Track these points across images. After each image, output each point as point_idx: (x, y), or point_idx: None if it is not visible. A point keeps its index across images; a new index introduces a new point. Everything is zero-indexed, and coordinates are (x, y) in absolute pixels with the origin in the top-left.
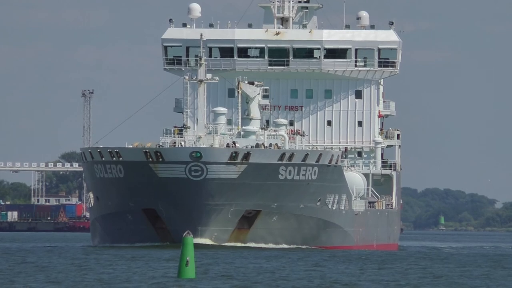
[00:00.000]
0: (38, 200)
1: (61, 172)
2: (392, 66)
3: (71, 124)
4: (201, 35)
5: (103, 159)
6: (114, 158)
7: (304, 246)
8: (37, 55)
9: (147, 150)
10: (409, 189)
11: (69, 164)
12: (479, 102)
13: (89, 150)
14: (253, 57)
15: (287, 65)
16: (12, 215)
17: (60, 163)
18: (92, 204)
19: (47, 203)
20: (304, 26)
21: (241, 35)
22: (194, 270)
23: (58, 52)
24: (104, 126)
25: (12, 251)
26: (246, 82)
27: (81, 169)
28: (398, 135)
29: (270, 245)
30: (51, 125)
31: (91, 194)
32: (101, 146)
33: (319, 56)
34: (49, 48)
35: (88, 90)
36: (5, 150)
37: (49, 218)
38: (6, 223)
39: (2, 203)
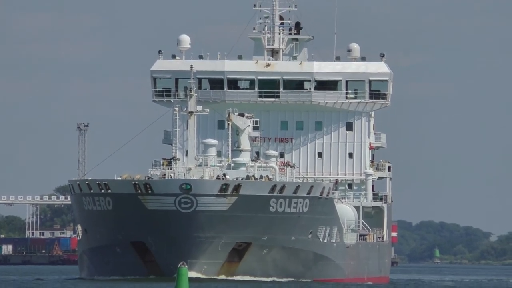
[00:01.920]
0: (32, 233)
1: (55, 205)
2: (383, 98)
3: (66, 157)
4: (191, 67)
5: (92, 191)
6: (103, 190)
7: (295, 279)
8: (30, 88)
9: (136, 182)
10: (404, 222)
11: (63, 197)
12: (471, 135)
13: (78, 182)
14: (243, 88)
15: (277, 96)
16: (7, 249)
17: (55, 196)
18: (80, 236)
19: (42, 236)
20: (295, 58)
21: (231, 66)
22: None
23: (51, 85)
24: (98, 159)
25: None
26: (236, 114)
27: None
28: (389, 167)
29: (261, 278)
30: (46, 158)
31: (79, 227)
32: (90, 178)
33: (310, 88)
34: (42, 82)
35: (83, 124)
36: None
37: (43, 251)
38: (1, 256)
39: None
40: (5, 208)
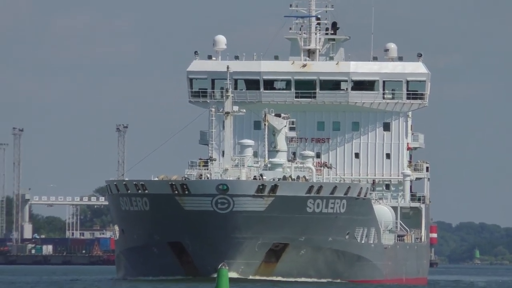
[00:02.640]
0: (72, 234)
1: (95, 206)
2: (421, 99)
3: (106, 158)
4: (227, 67)
5: (129, 191)
6: (140, 191)
7: (332, 280)
8: (70, 89)
9: (173, 183)
10: (443, 223)
11: (103, 198)
12: (509, 134)
13: (115, 183)
14: (279, 89)
15: (314, 97)
16: (47, 249)
17: (95, 197)
18: (117, 237)
19: (82, 237)
20: (331, 58)
21: (267, 67)
22: None
23: (89, 86)
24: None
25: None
26: (273, 114)
27: None
28: (427, 168)
29: (298, 279)
30: (86, 160)
31: (116, 227)
32: (127, 179)
33: (346, 88)
34: (80, 83)
35: (123, 125)
36: (40, 184)
37: (83, 251)
38: (41, 257)
39: (37, 237)
40: (45, 209)
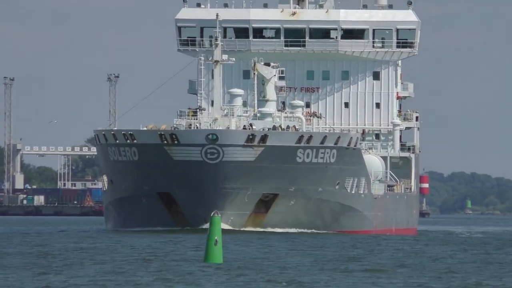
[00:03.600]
0: (64, 184)
1: (87, 156)
2: (411, 47)
3: (98, 108)
4: (217, 15)
5: (117, 141)
6: (128, 141)
7: (322, 231)
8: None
9: (162, 133)
10: (435, 173)
11: (95, 148)
12: (501, 84)
13: (103, 133)
14: (268, 37)
15: (303, 46)
16: (39, 199)
17: (86, 147)
18: (106, 187)
19: (74, 187)
20: (321, 6)
21: (256, 15)
22: (221, 253)
23: (80, 36)
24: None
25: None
26: (262, 63)
27: None
28: (416, 117)
29: (288, 229)
30: (77, 109)
31: (105, 177)
32: (115, 129)
33: (336, 37)
34: (69, 33)
35: (114, 74)
36: (32, 134)
37: (75, 202)
38: (33, 207)
39: (29, 187)
40: (37, 159)
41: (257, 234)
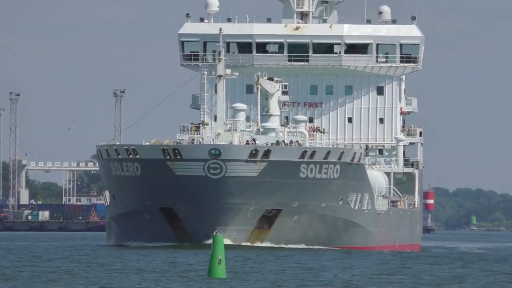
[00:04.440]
0: (69, 200)
1: (92, 172)
2: (414, 62)
3: (103, 123)
4: (220, 30)
5: (120, 156)
6: (131, 156)
7: (325, 247)
8: (64, 53)
9: (165, 148)
10: (440, 189)
11: None
12: (505, 99)
13: (105, 148)
14: (272, 52)
15: (307, 60)
16: (44, 215)
17: (92, 163)
18: (108, 202)
19: (79, 203)
20: (324, 21)
21: (260, 30)
22: (225, 270)
23: (86, 50)
24: (133, 125)
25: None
26: (266, 78)
27: None
28: (420, 133)
29: (291, 245)
30: (83, 125)
31: (107, 193)
32: (118, 144)
33: (340, 52)
34: (74, 46)
35: (120, 90)
36: (37, 149)
37: (80, 217)
38: (38, 223)
39: (34, 203)
40: (42, 175)
41: (259, 250)
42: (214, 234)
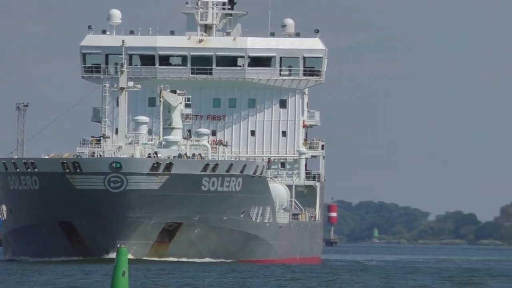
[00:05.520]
0: None
1: None
2: (317, 75)
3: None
4: (123, 42)
5: (18, 170)
6: (29, 169)
7: (226, 260)
8: None
9: (64, 161)
10: (343, 202)
11: None
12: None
13: (3, 161)
14: (175, 65)
15: (210, 73)
16: None
17: None
18: (5, 217)
19: None
20: (228, 34)
21: (163, 42)
22: (128, 282)
23: None
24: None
25: None
26: (168, 90)
27: None
28: (322, 146)
29: (192, 259)
30: None
31: (4, 207)
32: (16, 157)
33: (243, 64)
34: None
35: (23, 103)
36: None
37: None
38: None
39: None
40: None
41: (159, 264)
42: (118, 246)
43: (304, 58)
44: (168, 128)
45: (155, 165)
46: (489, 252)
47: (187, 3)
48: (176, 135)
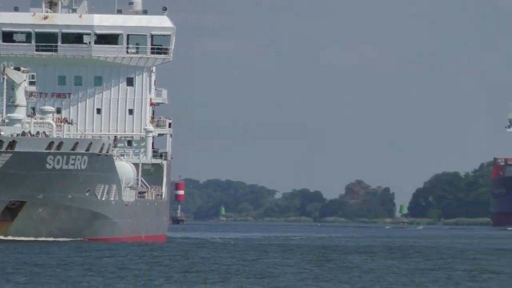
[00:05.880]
0: None
1: None
2: (165, 53)
3: None
4: None
5: None
6: None
7: (71, 238)
8: None
9: None
10: (191, 180)
11: None
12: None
13: None
14: (19, 42)
15: (55, 50)
16: None
17: None
18: None
19: None
20: (74, 11)
21: (6, 18)
22: None
23: None
24: None
25: None
26: (12, 67)
27: None
28: (169, 124)
29: (35, 238)
30: None
31: None
32: None
33: (89, 42)
34: None
35: None
36: None
37: None
38: None
39: None
40: None
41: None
42: None
43: (152, 36)
44: (12, 106)
45: None
46: (335, 229)
47: None
48: (20, 113)
